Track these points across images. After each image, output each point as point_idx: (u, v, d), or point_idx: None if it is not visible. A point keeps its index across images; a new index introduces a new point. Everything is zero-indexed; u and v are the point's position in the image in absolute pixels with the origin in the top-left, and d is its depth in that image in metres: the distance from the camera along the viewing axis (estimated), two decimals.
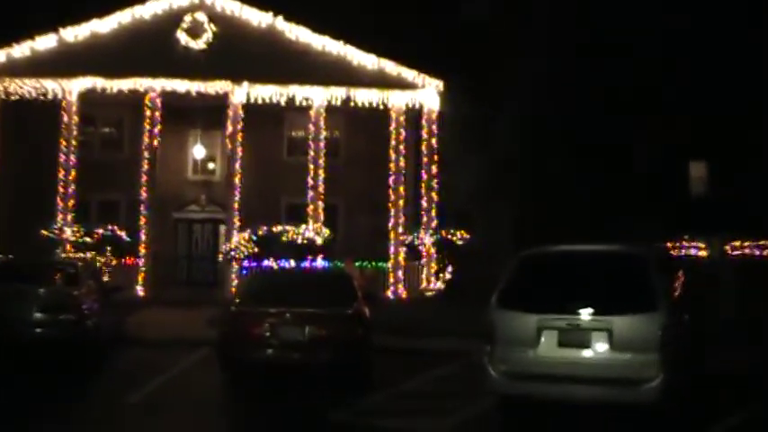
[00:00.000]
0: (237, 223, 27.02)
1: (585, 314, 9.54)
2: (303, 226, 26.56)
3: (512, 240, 30.77)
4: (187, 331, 19.50)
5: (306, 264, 25.32)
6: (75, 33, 27.01)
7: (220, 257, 26.11)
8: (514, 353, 9.85)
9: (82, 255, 25.53)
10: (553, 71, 27.84)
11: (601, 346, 9.42)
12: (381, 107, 27.62)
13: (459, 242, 26.58)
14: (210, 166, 31.00)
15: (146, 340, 17.63)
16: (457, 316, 18.91)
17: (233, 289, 25.76)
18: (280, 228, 26.21)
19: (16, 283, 14.28)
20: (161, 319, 21.83)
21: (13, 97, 27.02)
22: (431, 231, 27.11)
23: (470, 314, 12.37)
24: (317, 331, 12.04)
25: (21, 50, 26.92)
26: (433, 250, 27.11)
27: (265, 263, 25.60)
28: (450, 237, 26.71)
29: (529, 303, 9.94)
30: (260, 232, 25.70)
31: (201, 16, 27.24)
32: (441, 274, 26.97)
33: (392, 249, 27.59)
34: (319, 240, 25.95)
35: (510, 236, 30.68)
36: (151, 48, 26.81)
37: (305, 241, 25.68)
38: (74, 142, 27.17)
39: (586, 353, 9.51)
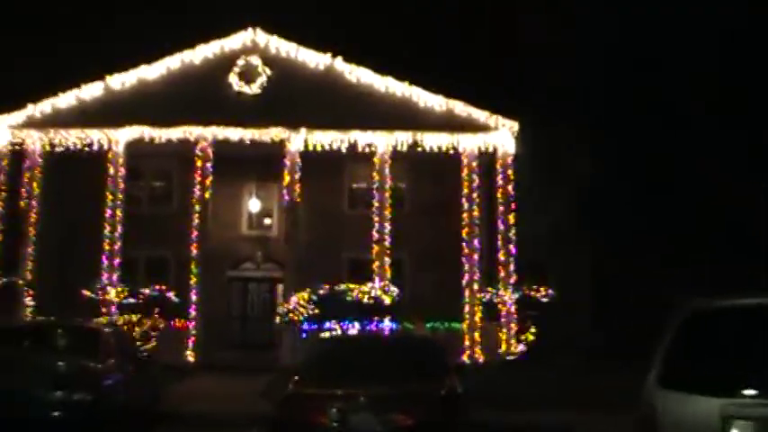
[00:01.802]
0: (295, 282, 24.73)
1: None
2: (369, 284, 24.14)
3: (591, 293, 28.30)
4: (237, 405, 17.16)
5: (371, 326, 22.97)
6: (121, 80, 25.34)
7: (277, 319, 23.73)
8: None
9: (126, 317, 23.67)
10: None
11: None
12: (451, 152, 25.27)
13: (544, 299, 23.88)
14: (267, 221, 28.85)
15: (186, 417, 15.31)
16: (552, 382, 16.45)
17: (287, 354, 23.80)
18: (343, 286, 23.80)
19: (30, 351, 12.15)
20: (209, 390, 19.57)
21: (57, 149, 25.29)
22: (511, 288, 24.46)
23: (566, 380, 10.02)
24: (402, 420, 9.27)
25: (66, 100, 25.32)
26: (512, 309, 24.40)
27: (326, 325, 23.26)
28: (532, 293, 24.04)
29: (707, 381, 6.79)
30: (321, 291, 23.27)
31: (255, 59, 25.38)
32: (522, 335, 24.27)
33: (467, 308, 24.99)
34: (387, 300, 23.50)
35: (589, 288, 28.18)
36: (202, 94, 24.98)
37: (371, 301, 23.24)
38: (120, 195, 25.30)
39: None
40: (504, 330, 24.68)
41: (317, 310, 22.88)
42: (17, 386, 11.04)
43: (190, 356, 24.17)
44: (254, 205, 28.14)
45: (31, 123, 25.42)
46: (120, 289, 24.29)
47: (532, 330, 24.08)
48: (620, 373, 12.78)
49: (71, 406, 11.12)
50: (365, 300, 23.30)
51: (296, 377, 10.35)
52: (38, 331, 13.38)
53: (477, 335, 24.70)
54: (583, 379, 18.38)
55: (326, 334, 21.24)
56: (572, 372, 19.69)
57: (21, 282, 24.83)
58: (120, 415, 12.10)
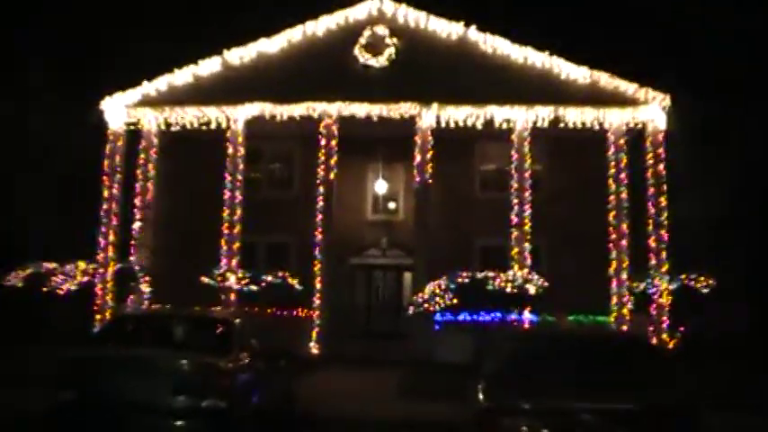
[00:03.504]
0: (426, 269, 22.80)
1: None
2: (512, 272, 22.01)
3: (746, 284, 25.61)
4: (376, 403, 15.49)
5: (512, 318, 20.98)
6: (240, 55, 23.90)
7: (410, 310, 21.83)
8: None
9: (247, 307, 22.15)
10: None
11: None
12: (596, 127, 22.94)
13: (705, 290, 21.36)
14: (392, 204, 26.98)
15: (324, 420, 13.57)
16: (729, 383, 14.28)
17: (422, 347, 21.96)
18: (483, 274, 21.67)
19: (143, 348, 10.32)
20: (340, 386, 17.88)
21: (174, 128, 23.96)
22: (667, 277, 22.01)
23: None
24: None
25: (182, 77, 24.03)
26: (668, 300, 21.94)
27: (461, 316, 21.34)
28: (693, 282, 21.54)
29: None
30: (459, 279, 21.18)
31: (382, 30, 23.57)
32: (677, 329, 21.81)
33: (614, 299, 22.68)
34: (532, 289, 21.34)
35: (744, 279, 25.48)
36: (325, 68, 23.34)
37: (514, 290, 21.10)
38: (239, 177, 23.79)
39: None
40: (656, 324, 22.22)
41: (454, 300, 20.81)
42: (136, 394, 9.33)
43: (314, 348, 22.59)
44: (380, 187, 26.27)
45: (146, 102, 24.20)
46: (240, 275, 22.77)
47: (690, 324, 21.50)
48: None
49: (199, 414, 9.31)
50: (508, 289, 21.12)
51: (483, 384, 8.32)
52: (159, 323, 11.49)
53: (625, 329, 22.32)
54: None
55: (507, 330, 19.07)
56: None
57: (137, 267, 23.64)
58: (256, 422, 10.34)
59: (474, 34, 23.41)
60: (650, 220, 22.70)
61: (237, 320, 11.23)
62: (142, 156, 24.35)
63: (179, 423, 9.30)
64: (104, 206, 23.87)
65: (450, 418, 13.05)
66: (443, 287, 20.98)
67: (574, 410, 7.42)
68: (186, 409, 9.27)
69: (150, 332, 10.90)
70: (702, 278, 21.60)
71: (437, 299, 20.77)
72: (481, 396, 7.99)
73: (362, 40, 23.57)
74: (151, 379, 9.38)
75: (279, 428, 12.26)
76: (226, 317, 12.07)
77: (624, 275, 22.73)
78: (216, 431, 9.32)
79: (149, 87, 24.05)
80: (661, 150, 22.93)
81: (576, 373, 8.09)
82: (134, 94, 24.13)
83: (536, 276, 21.69)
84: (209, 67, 23.90)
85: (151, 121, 24.13)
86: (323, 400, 15.20)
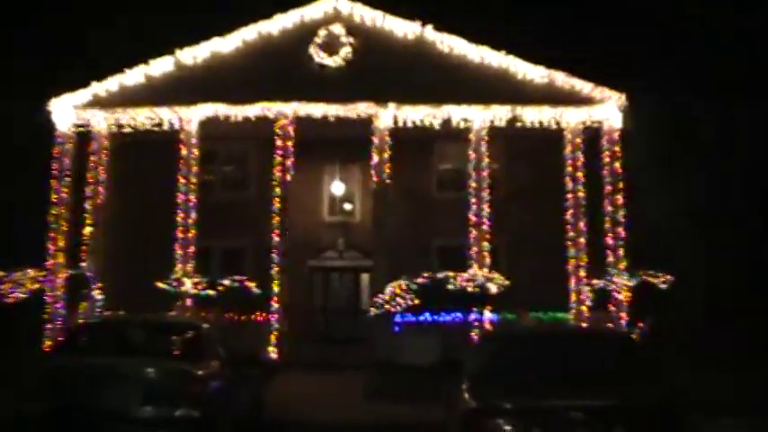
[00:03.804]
0: (385, 270, 22.59)
1: None
2: (472, 272, 21.89)
3: (705, 286, 25.76)
4: (344, 407, 15.30)
5: (473, 317, 20.90)
6: (193, 55, 23.42)
7: (372, 311, 21.56)
8: None
9: (203, 312, 21.75)
10: None
11: None
12: (553, 126, 22.94)
13: (663, 285, 21.43)
14: (347, 206, 26.72)
15: (295, 426, 13.31)
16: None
17: (382, 349, 21.72)
18: (443, 274, 21.48)
19: (110, 356, 9.83)
20: (305, 390, 17.66)
21: (125, 130, 23.38)
22: (626, 274, 22.06)
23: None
24: None
25: (134, 77, 23.41)
26: (627, 296, 21.98)
27: (422, 317, 21.17)
28: (651, 279, 21.59)
29: None
30: (420, 280, 20.97)
31: (338, 29, 23.28)
32: (636, 325, 21.83)
33: (573, 297, 22.69)
34: (493, 288, 21.22)
35: (703, 280, 25.64)
36: (281, 68, 22.95)
37: (476, 290, 20.96)
38: (194, 180, 23.31)
39: None
40: (615, 321, 22.25)
41: (416, 301, 20.60)
42: (110, 404, 8.95)
43: (272, 352, 22.19)
44: (337, 188, 26.02)
45: (96, 103, 23.52)
46: (197, 280, 22.32)
47: (647, 320, 21.52)
48: None
49: (173, 424, 8.95)
50: (469, 288, 20.97)
51: (468, 384, 8.10)
52: (126, 330, 10.96)
53: (584, 325, 22.33)
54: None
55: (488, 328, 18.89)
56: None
57: (89, 274, 23.05)
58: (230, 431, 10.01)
59: (431, 34, 23.23)
60: (607, 218, 22.75)
61: (206, 326, 10.89)
62: (93, 158, 23.71)
63: None
64: (53, 211, 23.20)
65: (423, 420, 12.89)
66: (404, 288, 20.74)
67: (562, 409, 7.26)
68: (159, 418, 8.94)
69: (118, 339, 10.46)
70: (661, 275, 21.63)
71: (398, 299, 20.53)
72: (467, 396, 7.80)
73: (318, 40, 23.25)
74: (123, 388, 9.02)
75: None
76: (194, 322, 11.72)
77: (582, 273, 22.77)
78: None
79: (99, 88, 23.42)
80: (617, 149, 22.93)
81: (561, 370, 7.98)
82: (83, 94, 23.49)
83: (497, 275, 21.59)
84: (161, 67, 23.38)
85: (101, 122, 23.51)
86: (290, 405, 14.96)
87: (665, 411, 7.40)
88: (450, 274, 21.49)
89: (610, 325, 21.94)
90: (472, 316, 21.31)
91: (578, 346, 9.12)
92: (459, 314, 21.56)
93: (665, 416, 7.33)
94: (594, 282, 22.40)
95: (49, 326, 22.59)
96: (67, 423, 8.99)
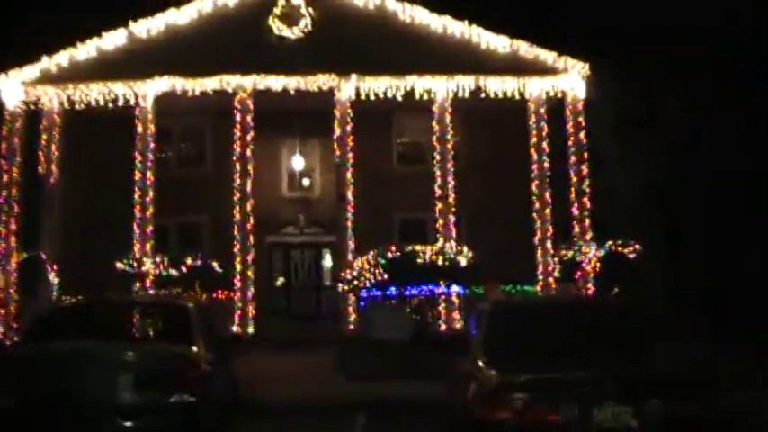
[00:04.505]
0: (347, 245, 22.24)
1: None
2: (443, 244, 21.64)
3: (663, 259, 25.80)
4: (318, 384, 14.94)
5: (439, 290, 20.68)
6: (147, 27, 22.65)
7: (339, 286, 21.22)
8: None
9: (165, 291, 21.16)
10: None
11: None
12: (517, 97, 22.70)
13: (631, 255, 21.38)
14: (306, 181, 26.21)
15: (266, 404, 12.95)
16: None
17: (350, 325, 21.45)
18: (411, 248, 21.11)
19: (92, 341, 9.12)
20: (275, 369, 17.18)
21: (77, 106, 22.59)
22: (594, 244, 21.97)
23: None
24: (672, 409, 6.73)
25: (86, 51, 22.55)
26: (591, 268, 21.90)
27: (390, 291, 20.81)
28: (620, 249, 21.52)
29: None
30: (389, 254, 20.59)
31: None
32: (602, 296, 21.75)
33: (540, 268, 22.56)
34: (463, 261, 20.95)
35: (661, 250, 25.71)
36: (239, 40, 22.30)
37: (446, 263, 20.66)
38: (150, 156, 22.66)
39: None
40: (582, 292, 22.18)
41: (385, 275, 20.23)
42: (93, 393, 8.44)
43: (236, 330, 21.69)
44: (297, 163, 25.46)
45: (46, 79, 22.66)
46: (159, 259, 21.70)
47: (615, 291, 21.43)
48: None
49: (167, 411, 8.44)
50: (440, 262, 20.66)
51: (486, 358, 7.73)
52: (105, 313, 10.31)
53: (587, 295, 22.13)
54: None
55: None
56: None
57: (43, 256, 22.28)
58: (221, 415, 9.59)
59: (392, 3, 22.73)
60: (572, 189, 22.65)
61: (191, 305, 10.39)
62: (44, 137, 22.88)
63: (144, 421, 8.43)
64: (3, 193, 22.37)
65: (415, 397, 12.63)
66: (372, 262, 20.38)
67: (593, 380, 6.97)
68: (150, 406, 8.41)
69: (97, 323, 9.88)
70: (629, 245, 21.57)
71: (367, 274, 20.17)
72: (491, 372, 7.42)
73: (277, 11, 22.64)
74: (108, 374, 8.48)
75: (230, 418, 11.52)
76: (178, 302, 11.22)
77: (549, 244, 22.64)
78: (185, 428, 8.51)
79: (49, 63, 22.54)
80: (581, 119, 22.86)
81: (580, 341, 7.72)
82: (32, 70, 22.59)
83: (465, 248, 21.33)
84: (114, 40, 22.55)
85: (53, 99, 22.67)
86: (263, 384, 14.52)
87: (701, 382, 7.19)
88: (419, 247, 21.14)
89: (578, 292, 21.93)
90: (439, 289, 20.99)
91: (589, 315, 8.95)
92: (425, 288, 21.12)
93: (702, 386, 7.11)
94: (563, 253, 22.26)
95: (1, 311, 21.82)
96: (43, 416, 8.43)
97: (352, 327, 21.27)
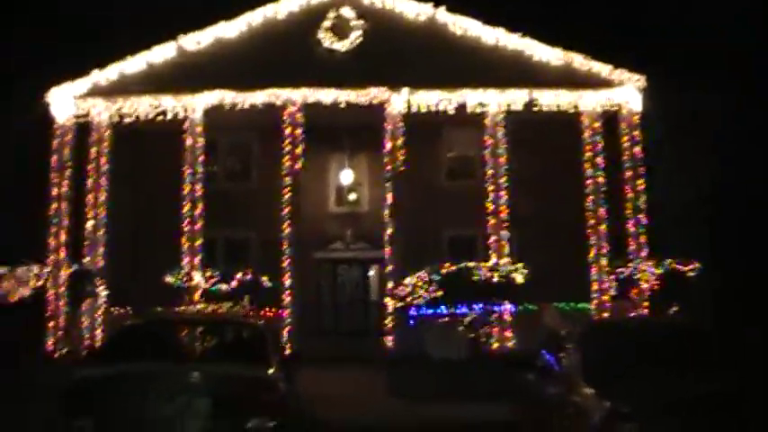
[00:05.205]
0: (398, 262, 21.84)
1: None
2: (496, 261, 21.22)
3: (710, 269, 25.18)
4: (374, 405, 14.58)
5: (495, 308, 20.24)
6: (196, 40, 22.54)
7: (389, 303, 20.84)
8: None
9: (214, 307, 20.88)
10: None
11: None
12: (571, 110, 22.30)
13: (691, 273, 20.85)
14: (352, 196, 25.93)
15: (336, 425, 12.57)
16: None
17: (398, 343, 21.02)
18: (464, 264, 20.64)
19: (168, 362, 8.86)
20: (328, 388, 16.75)
21: (126, 119, 22.46)
22: (652, 262, 21.45)
23: None
24: None
25: (135, 64, 22.49)
26: (652, 284, 21.35)
27: (438, 310, 20.38)
28: (680, 267, 20.98)
29: None
30: (443, 271, 20.17)
31: (347, 12, 22.52)
32: (661, 314, 21.21)
33: (595, 286, 22.06)
34: (519, 278, 20.49)
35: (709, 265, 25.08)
36: (288, 53, 22.16)
37: (501, 280, 20.22)
38: (199, 169, 22.45)
39: None
40: (637, 310, 21.64)
41: (438, 292, 19.81)
42: (168, 417, 8.10)
43: (294, 348, 21.37)
44: (346, 178, 25.19)
45: (96, 92, 22.63)
46: (208, 274, 21.46)
47: (674, 309, 20.84)
48: None
49: None
50: (495, 279, 20.21)
51: (591, 383, 7.36)
52: (177, 332, 10.10)
53: (607, 315, 21.75)
54: None
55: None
56: None
57: (92, 269, 22.14)
58: None
59: (443, 15, 22.49)
60: (628, 204, 22.17)
61: (262, 323, 10.05)
62: (93, 150, 22.76)
63: None
64: (54, 205, 22.28)
65: (477, 420, 12.26)
66: (426, 279, 19.98)
67: (693, 400, 6.67)
68: (231, 431, 8.08)
69: (170, 342, 9.56)
70: (689, 263, 21.04)
71: (421, 291, 19.77)
72: (599, 399, 7.04)
73: (327, 23, 22.47)
74: (186, 399, 8.14)
75: None
76: (249, 321, 10.88)
77: (604, 261, 22.15)
78: None
79: (100, 76, 22.50)
80: (637, 132, 22.40)
81: (668, 361, 7.43)
82: (83, 83, 22.56)
83: (520, 265, 20.87)
84: (163, 53, 22.47)
85: (102, 112, 22.58)
86: (317, 403, 14.19)
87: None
88: (472, 264, 20.72)
89: (633, 314, 21.37)
90: (493, 307, 20.54)
91: (669, 335, 8.71)
92: (477, 306, 20.66)
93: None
94: (619, 270, 21.72)
95: (51, 324, 21.69)
96: None
97: (400, 345, 20.83)
